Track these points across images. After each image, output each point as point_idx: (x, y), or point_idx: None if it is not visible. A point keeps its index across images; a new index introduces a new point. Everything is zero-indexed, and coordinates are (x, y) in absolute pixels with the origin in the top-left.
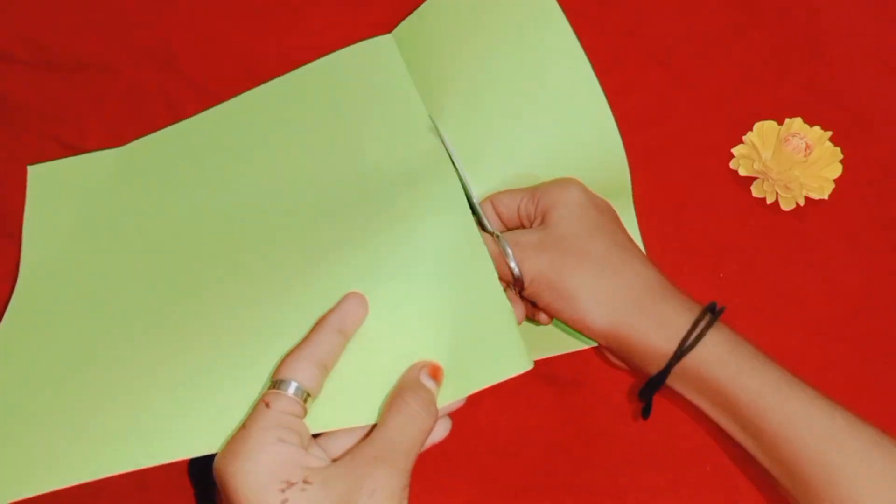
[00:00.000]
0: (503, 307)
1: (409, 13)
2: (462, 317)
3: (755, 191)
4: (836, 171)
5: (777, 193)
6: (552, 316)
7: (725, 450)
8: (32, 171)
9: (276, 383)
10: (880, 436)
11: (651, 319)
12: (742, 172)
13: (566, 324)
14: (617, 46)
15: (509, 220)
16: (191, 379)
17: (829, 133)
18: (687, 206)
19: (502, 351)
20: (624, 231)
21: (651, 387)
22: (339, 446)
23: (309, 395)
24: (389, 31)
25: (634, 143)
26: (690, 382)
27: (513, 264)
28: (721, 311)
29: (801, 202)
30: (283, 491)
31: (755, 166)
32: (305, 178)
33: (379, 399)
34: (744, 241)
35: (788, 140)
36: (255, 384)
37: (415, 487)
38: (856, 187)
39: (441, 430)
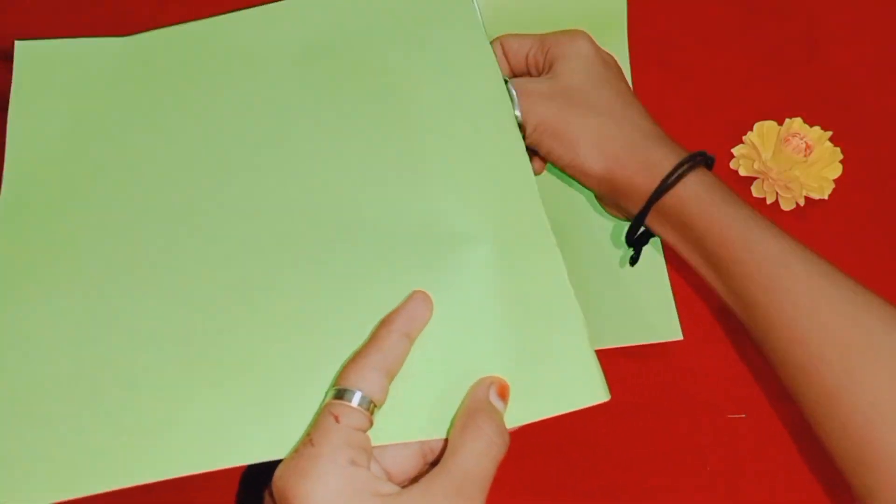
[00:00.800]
0: (577, 317)
1: None
2: (529, 322)
3: (755, 191)
4: (836, 171)
5: (777, 193)
6: (551, 162)
7: (726, 450)
8: (21, 47)
9: (340, 392)
10: (831, 267)
11: (640, 162)
12: (742, 172)
13: (563, 170)
14: None
15: (516, 66)
16: (240, 373)
17: (829, 133)
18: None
19: (576, 375)
20: (626, 85)
21: (634, 225)
22: (393, 460)
23: (375, 405)
24: None
25: None
26: (668, 220)
27: (517, 112)
28: (711, 159)
29: (801, 202)
30: None
31: (755, 166)
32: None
33: (443, 411)
34: None
35: (788, 140)
36: (316, 382)
37: None
38: (856, 187)
39: None
